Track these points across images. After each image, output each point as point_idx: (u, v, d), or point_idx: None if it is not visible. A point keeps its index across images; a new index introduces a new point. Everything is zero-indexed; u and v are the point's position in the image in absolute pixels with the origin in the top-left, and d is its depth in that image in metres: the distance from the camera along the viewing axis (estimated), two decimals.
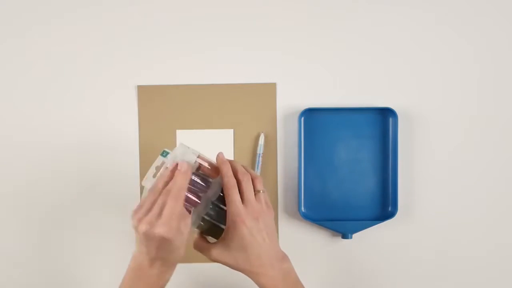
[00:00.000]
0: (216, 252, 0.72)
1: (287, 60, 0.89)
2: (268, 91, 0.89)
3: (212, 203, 0.74)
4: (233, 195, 0.70)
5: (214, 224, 0.74)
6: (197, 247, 0.74)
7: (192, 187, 0.72)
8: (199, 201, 0.71)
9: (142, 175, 0.88)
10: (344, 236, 0.87)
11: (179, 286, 0.89)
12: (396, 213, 0.87)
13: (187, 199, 0.70)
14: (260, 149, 0.87)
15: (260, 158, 0.87)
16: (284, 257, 0.74)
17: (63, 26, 0.89)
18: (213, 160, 0.74)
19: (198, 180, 0.72)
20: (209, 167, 0.74)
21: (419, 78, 0.89)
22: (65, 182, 0.89)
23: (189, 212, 0.70)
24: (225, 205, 0.72)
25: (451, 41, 0.89)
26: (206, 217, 0.74)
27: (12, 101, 0.89)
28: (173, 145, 0.88)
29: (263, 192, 0.73)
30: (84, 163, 0.89)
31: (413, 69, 0.89)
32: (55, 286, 0.89)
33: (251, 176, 0.73)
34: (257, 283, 0.72)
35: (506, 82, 0.89)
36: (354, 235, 0.87)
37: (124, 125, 0.89)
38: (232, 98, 0.89)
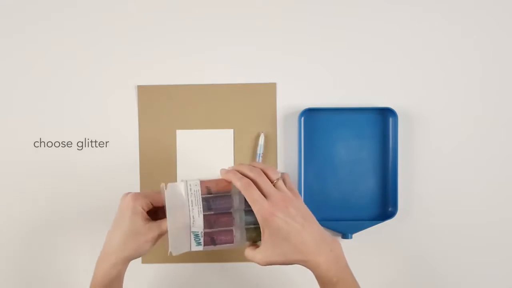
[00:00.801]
0: (262, 255, 0.70)
1: (287, 60, 0.89)
2: (268, 91, 0.89)
3: (244, 211, 0.73)
4: (252, 195, 0.68)
5: (256, 228, 0.73)
6: (248, 257, 0.72)
7: (219, 208, 0.71)
8: (233, 217, 0.72)
9: (142, 175, 0.88)
10: (344, 236, 0.87)
11: (179, 286, 0.89)
12: (396, 213, 0.87)
13: (222, 222, 0.70)
14: (260, 149, 0.87)
15: (260, 158, 0.87)
16: (333, 241, 0.71)
17: (63, 26, 0.89)
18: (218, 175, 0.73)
19: (219, 201, 0.72)
20: (218, 184, 0.73)
21: (419, 78, 0.89)
22: (65, 182, 0.89)
23: (232, 232, 0.71)
24: None
25: (451, 41, 0.89)
26: (246, 226, 0.73)
27: (12, 101, 0.89)
28: (173, 145, 0.88)
29: (280, 179, 0.71)
30: (84, 163, 0.89)
31: (413, 69, 0.89)
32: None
33: (262, 169, 0.71)
34: (313, 272, 0.70)
35: (508, 82, 0.89)
36: (354, 235, 0.87)
37: (124, 125, 0.89)
38: (232, 98, 0.89)
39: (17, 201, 0.89)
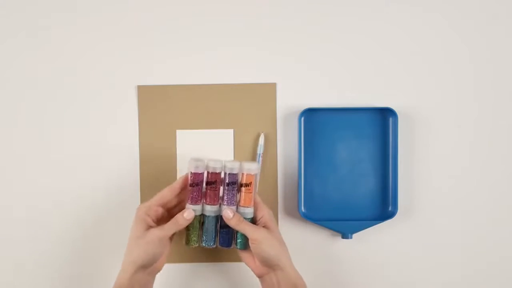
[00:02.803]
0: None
1: (287, 60, 0.89)
2: (268, 91, 0.89)
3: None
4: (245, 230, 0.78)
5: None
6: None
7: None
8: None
9: (142, 174, 0.88)
10: (344, 236, 0.87)
11: (179, 286, 0.89)
12: (396, 213, 0.87)
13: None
14: (260, 149, 0.87)
15: (260, 158, 0.87)
16: None
17: (63, 26, 0.89)
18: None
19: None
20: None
21: (419, 78, 0.89)
22: (64, 182, 0.89)
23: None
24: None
25: (452, 41, 0.89)
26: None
27: (12, 101, 0.89)
28: (173, 145, 0.88)
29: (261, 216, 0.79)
30: (84, 163, 0.89)
31: (413, 69, 0.89)
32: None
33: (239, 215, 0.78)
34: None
35: (507, 82, 0.89)
36: (354, 235, 0.87)
37: (124, 125, 0.89)
38: (232, 98, 0.89)
39: (17, 201, 0.88)
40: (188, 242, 0.80)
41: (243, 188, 0.79)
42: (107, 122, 0.89)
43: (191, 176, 0.79)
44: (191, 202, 0.78)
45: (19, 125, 0.89)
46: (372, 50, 0.89)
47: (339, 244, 0.89)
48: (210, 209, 0.79)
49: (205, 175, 0.79)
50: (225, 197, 0.79)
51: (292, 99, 0.89)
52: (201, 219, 0.80)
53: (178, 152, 0.88)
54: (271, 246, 0.76)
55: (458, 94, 0.89)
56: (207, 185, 0.79)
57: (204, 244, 0.80)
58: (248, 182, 0.79)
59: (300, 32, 0.89)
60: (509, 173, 0.89)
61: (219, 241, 0.81)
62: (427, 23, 0.89)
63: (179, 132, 0.89)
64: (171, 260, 0.88)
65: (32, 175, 0.89)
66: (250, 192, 0.79)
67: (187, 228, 0.79)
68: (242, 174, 0.79)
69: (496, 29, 0.89)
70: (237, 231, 0.80)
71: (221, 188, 0.80)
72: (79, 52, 0.89)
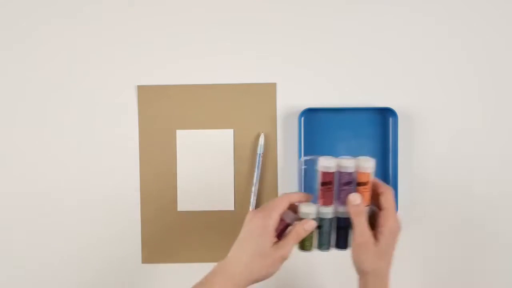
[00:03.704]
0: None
1: (287, 60, 0.89)
2: (268, 91, 0.89)
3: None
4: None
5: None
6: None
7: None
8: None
9: (142, 175, 0.88)
10: None
11: (179, 286, 0.89)
12: None
13: None
14: (260, 149, 0.87)
15: (260, 158, 0.87)
16: None
17: (63, 26, 0.89)
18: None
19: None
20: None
21: (419, 78, 0.89)
22: (64, 181, 0.89)
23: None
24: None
25: (452, 41, 0.89)
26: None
27: (12, 102, 0.89)
28: (173, 145, 0.88)
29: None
30: (84, 163, 0.89)
31: (413, 69, 0.89)
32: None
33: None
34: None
35: (507, 82, 0.89)
36: None
37: (124, 125, 0.89)
38: (232, 98, 0.89)
39: (16, 201, 0.89)
40: (303, 247, 0.75)
41: (360, 188, 0.73)
42: (107, 122, 0.89)
43: (323, 176, 0.73)
44: (323, 203, 0.73)
45: (19, 125, 0.89)
46: (372, 50, 0.89)
47: None
48: (326, 211, 0.74)
49: (320, 175, 0.74)
50: (341, 197, 0.73)
51: (292, 99, 0.89)
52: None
53: (178, 152, 0.88)
54: (366, 254, 0.72)
55: (458, 94, 0.89)
56: (322, 185, 0.73)
57: (321, 249, 0.75)
58: (365, 181, 0.73)
59: (300, 32, 0.89)
60: (509, 173, 0.89)
61: (336, 243, 0.76)
62: (427, 23, 0.89)
63: (179, 132, 0.89)
64: (171, 260, 0.88)
65: (32, 175, 0.89)
66: (368, 191, 0.73)
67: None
68: (358, 172, 0.73)
69: (496, 29, 0.89)
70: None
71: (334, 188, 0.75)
72: (79, 52, 0.89)
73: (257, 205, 0.88)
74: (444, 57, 0.89)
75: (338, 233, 0.75)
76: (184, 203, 0.88)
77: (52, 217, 0.89)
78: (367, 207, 0.73)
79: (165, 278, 0.88)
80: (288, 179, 0.89)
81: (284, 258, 0.71)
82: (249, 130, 0.89)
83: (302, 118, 0.87)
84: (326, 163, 0.73)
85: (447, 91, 0.89)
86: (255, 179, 0.87)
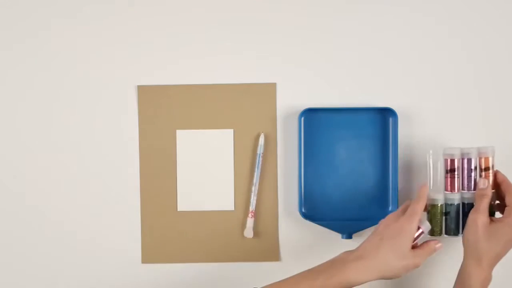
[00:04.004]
0: None
1: (287, 60, 0.89)
2: (268, 91, 0.89)
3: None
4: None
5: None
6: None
7: None
8: None
9: (142, 175, 0.88)
10: (344, 236, 0.87)
11: (179, 286, 0.89)
12: None
13: None
14: (260, 149, 0.87)
15: (260, 158, 0.87)
16: None
17: (64, 26, 0.89)
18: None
19: None
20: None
21: (419, 78, 0.89)
22: (64, 181, 0.89)
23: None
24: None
25: (452, 41, 0.89)
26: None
27: (12, 102, 0.89)
28: (173, 145, 0.88)
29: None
30: (84, 163, 0.89)
31: (413, 69, 0.89)
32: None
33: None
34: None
35: (507, 82, 0.89)
36: (354, 235, 0.87)
37: (124, 125, 0.89)
38: (232, 98, 0.89)
39: (14, 199, 0.89)
40: (432, 233, 0.80)
41: (483, 173, 0.80)
42: (107, 122, 0.89)
43: (448, 163, 0.80)
44: (449, 190, 0.81)
45: (19, 125, 0.89)
46: (372, 50, 0.89)
47: (339, 244, 0.89)
48: (452, 197, 0.80)
49: (445, 163, 0.81)
50: (465, 184, 0.80)
51: (292, 99, 0.89)
52: (442, 209, 0.81)
53: (178, 152, 0.88)
54: (476, 234, 0.75)
55: (458, 94, 0.89)
56: (448, 173, 0.81)
57: (448, 234, 0.81)
58: (486, 166, 0.80)
59: (300, 32, 0.89)
60: (509, 173, 0.89)
61: (463, 229, 0.80)
62: (427, 23, 0.89)
63: (179, 132, 0.89)
64: (171, 260, 0.88)
65: (32, 175, 0.89)
66: (490, 177, 0.80)
67: (430, 220, 0.80)
68: (480, 158, 0.80)
69: (496, 29, 0.89)
70: None
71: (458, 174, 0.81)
72: (79, 52, 0.89)
73: (257, 205, 0.88)
74: (444, 57, 0.89)
75: (464, 219, 0.80)
76: (184, 203, 0.88)
77: (52, 217, 0.89)
78: (493, 191, 0.79)
79: (165, 278, 0.88)
80: (288, 179, 0.89)
81: (416, 266, 0.74)
82: (249, 130, 0.89)
83: (302, 118, 0.87)
84: (450, 151, 0.80)
85: (447, 91, 0.89)
86: (255, 179, 0.87)
